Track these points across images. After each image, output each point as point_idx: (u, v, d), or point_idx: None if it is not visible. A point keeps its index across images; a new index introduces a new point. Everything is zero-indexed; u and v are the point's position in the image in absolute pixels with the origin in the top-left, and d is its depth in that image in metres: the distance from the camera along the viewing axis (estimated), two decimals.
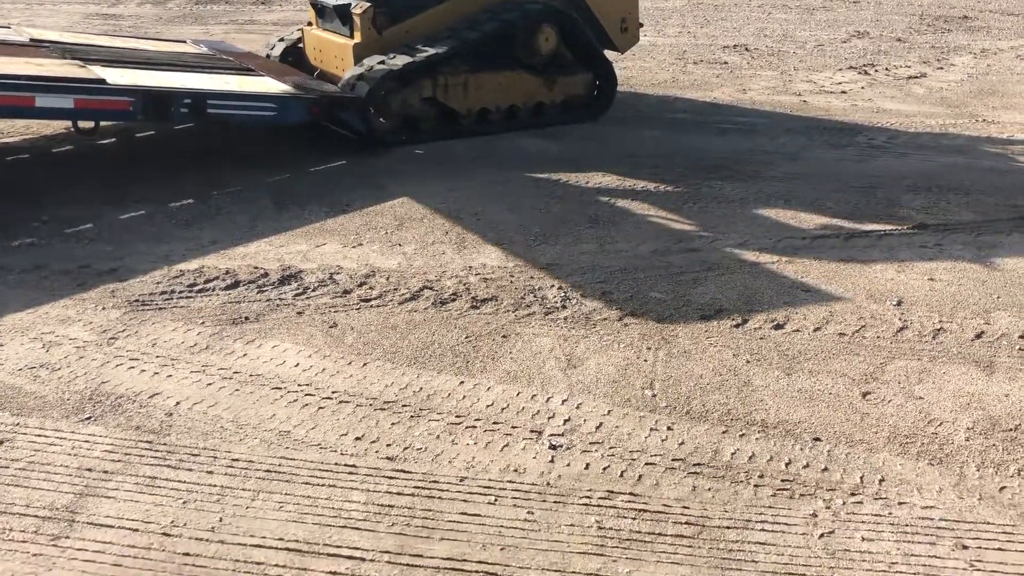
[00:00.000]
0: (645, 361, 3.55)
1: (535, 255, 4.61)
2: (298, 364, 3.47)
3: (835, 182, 5.82)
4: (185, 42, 7.76)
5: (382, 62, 6.29)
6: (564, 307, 4.02)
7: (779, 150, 6.56)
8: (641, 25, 7.82)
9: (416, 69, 6.34)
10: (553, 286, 4.24)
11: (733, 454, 2.96)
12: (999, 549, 2.54)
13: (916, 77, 9.15)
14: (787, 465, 2.91)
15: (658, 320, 3.91)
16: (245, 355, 3.54)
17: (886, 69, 9.55)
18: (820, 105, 8.00)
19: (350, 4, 6.67)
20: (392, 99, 6.37)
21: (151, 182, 5.50)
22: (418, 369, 3.46)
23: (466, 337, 3.73)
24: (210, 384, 3.31)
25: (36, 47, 6.21)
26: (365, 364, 3.49)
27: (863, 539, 2.56)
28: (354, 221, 5.03)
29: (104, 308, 3.89)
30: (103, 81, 5.21)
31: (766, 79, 9.07)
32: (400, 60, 6.31)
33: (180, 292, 4.07)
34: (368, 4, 6.56)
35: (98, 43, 6.82)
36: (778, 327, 3.85)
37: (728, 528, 2.60)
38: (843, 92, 8.49)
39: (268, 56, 7.60)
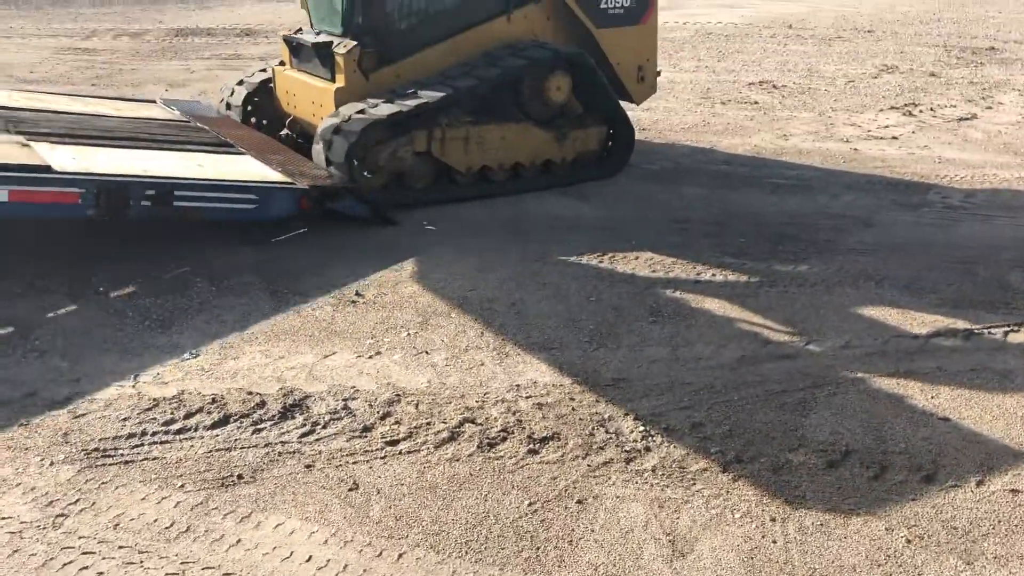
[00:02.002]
0: (774, 543, 2.67)
1: (596, 366, 3.73)
2: (310, 557, 2.57)
3: (924, 255, 4.99)
4: (155, 102, 6.81)
5: (362, 111, 5.39)
6: (648, 450, 3.14)
7: (846, 212, 5.73)
8: (658, 73, 6.97)
9: (409, 119, 5.46)
10: (628, 415, 3.35)
11: None
12: None
13: (967, 119, 8.38)
14: None
15: (774, 470, 3.03)
16: (239, 541, 2.63)
17: (931, 109, 8.78)
18: (873, 154, 7.19)
19: (332, 42, 5.78)
20: (380, 152, 5.48)
21: (118, 258, 4.59)
22: (472, 563, 2.57)
23: (529, 504, 2.84)
24: None
25: None
26: (401, 555, 2.59)
27: None
28: (368, 318, 4.14)
29: (53, 463, 2.98)
30: (48, 168, 4.29)
31: (805, 122, 8.27)
32: (387, 108, 5.41)
33: (153, 434, 3.16)
34: (354, 43, 5.68)
35: (52, 108, 5.87)
36: (928, 479, 2.98)
37: None
38: (894, 138, 7.69)
39: (227, 106, 6.69)
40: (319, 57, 5.87)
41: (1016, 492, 2.92)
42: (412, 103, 5.44)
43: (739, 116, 8.47)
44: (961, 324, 4.13)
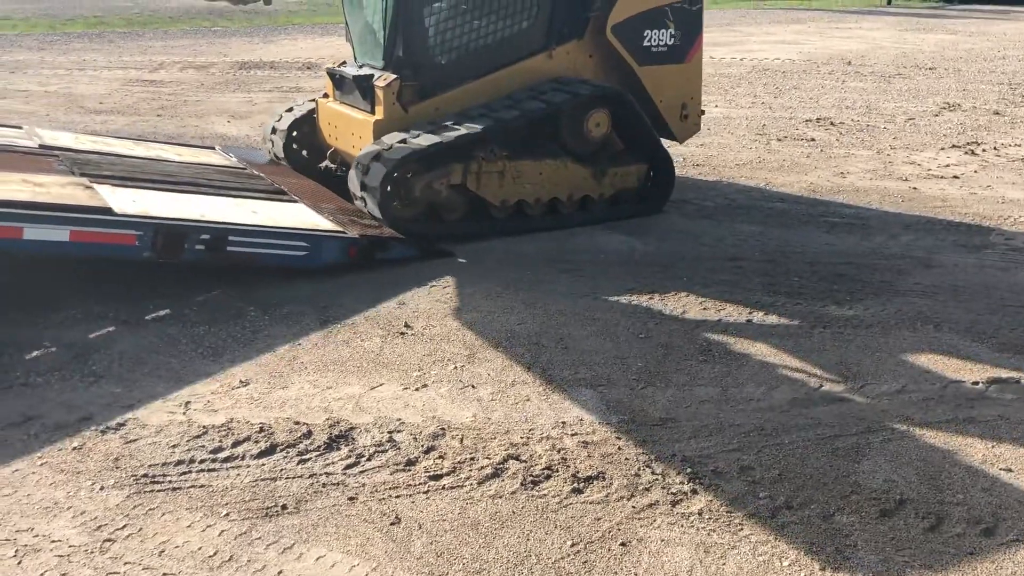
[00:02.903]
0: None
1: (643, 405, 3.68)
2: None
3: (986, 299, 4.85)
4: (214, 149, 7.00)
5: (403, 140, 5.43)
6: (695, 493, 3.08)
7: (905, 253, 5.61)
8: (703, 112, 6.90)
9: (445, 151, 5.47)
10: (674, 456, 3.30)
11: None
12: None
13: None
14: None
15: (824, 517, 2.95)
16: (280, 573, 2.63)
17: (994, 148, 8.60)
18: (934, 193, 7.05)
19: (372, 75, 5.87)
20: (415, 183, 5.50)
21: (174, 287, 4.68)
22: None
23: (572, 544, 2.80)
24: None
25: (44, 156, 5.47)
26: None
27: None
28: (415, 350, 4.15)
29: (103, 488, 3.03)
30: (109, 210, 4.42)
31: (863, 159, 8.15)
32: (424, 140, 5.44)
33: (201, 461, 3.20)
34: (394, 76, 5.75)
35: (115, 151, 6.05)
36: (987, 532, 2.88)
37: None
38: (955, 177, 7.54)
39: (272, 155, 6.81)
40: (360, 89, 5.96)
41: None
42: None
43: (795, 153, 8.39)
44: None
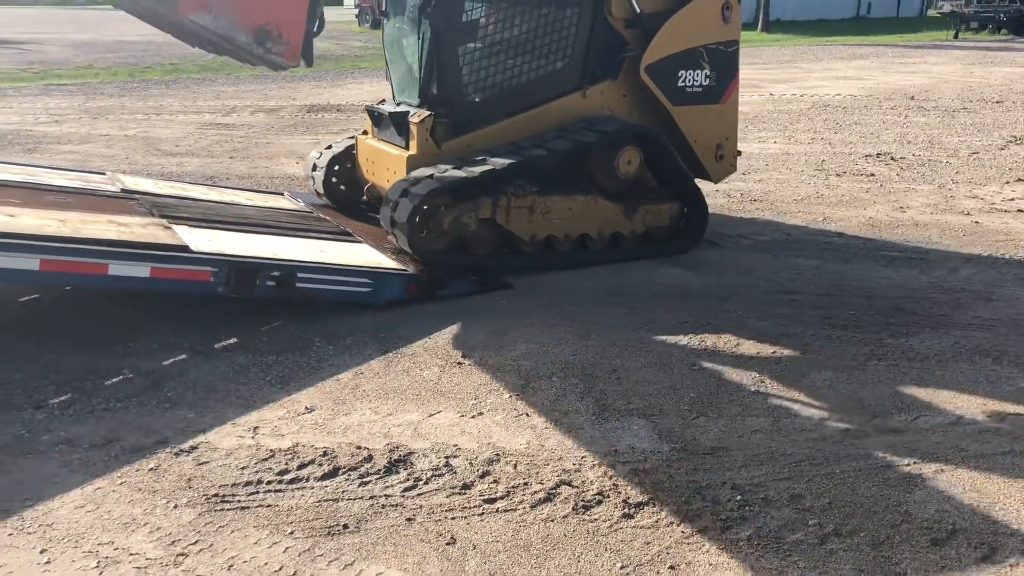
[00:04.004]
0: None
1: (695, 434, 3.74)
2: None
3: None
4: (283, 195, 7.30)
5: (431, 176, 5.54)
6: (744, 519, 3.13)
7: (965, 286, 5.57)
8: (739, 153, 6.88)
9: (474, 185, 5.57)
10: (725, 483, 3.36)
11: None
12: None
13: None
14: None
15: (874, 545, 2.97)
16: None
17: None
18: (996, 227, 6.98)
19: (408, 112, 6.06)
20: (444, 215, 5.59)
21: (243, 317, 4.90)
22: None
23: (621, 566, 2.88)
24: None
25: (126, 199, 5.80)
26: None
27: None
28: (472, 379, 4.28)
29: (177, 506, 3.20)
30: (186, 248, 4.68)
31: (924, 194, 8.09)
32: (454, 173, 5.57)
33: (268, 483, 3.36)
34: (428, 113, 5.93)
35: (191, 195, 6.40)
36: None
37: None
38: (1020, 211, 7.45)
39: (314, 190, 7.03)
40: (395, 125, 6.15)
41: None
42: (483, 169, 5.53)
43: (854, 188, 8.37)
44: None
